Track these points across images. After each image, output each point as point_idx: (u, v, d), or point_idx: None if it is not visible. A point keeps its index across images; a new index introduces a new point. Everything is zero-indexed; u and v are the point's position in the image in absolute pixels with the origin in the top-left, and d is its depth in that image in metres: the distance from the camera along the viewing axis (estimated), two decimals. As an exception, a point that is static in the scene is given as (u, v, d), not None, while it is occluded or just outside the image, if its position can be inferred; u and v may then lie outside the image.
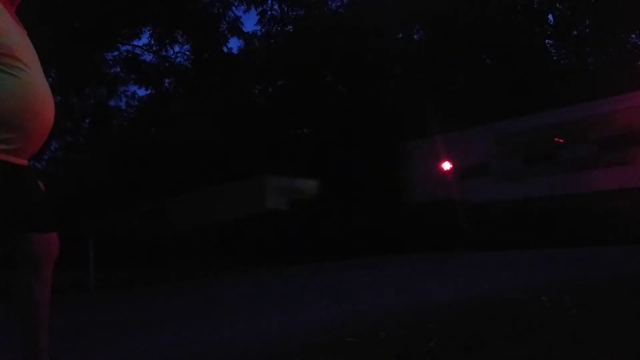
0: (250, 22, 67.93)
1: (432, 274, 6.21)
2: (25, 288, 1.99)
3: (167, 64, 17.14)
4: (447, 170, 11.28)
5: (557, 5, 16.46)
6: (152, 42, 16.16)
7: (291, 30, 17.98)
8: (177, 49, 16.89)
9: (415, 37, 17.78)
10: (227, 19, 16.15)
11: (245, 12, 17.28)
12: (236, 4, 15.97)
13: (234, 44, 53.96)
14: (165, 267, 11.74)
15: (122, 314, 5.09)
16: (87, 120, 20.80)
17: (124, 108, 22.14)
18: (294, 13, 17.71)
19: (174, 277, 9.31)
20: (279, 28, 17.91)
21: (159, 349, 3.09)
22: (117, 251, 14.89)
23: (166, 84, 18.12)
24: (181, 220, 14.43)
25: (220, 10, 16.03)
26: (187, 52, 17.22)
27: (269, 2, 16.90)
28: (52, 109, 2.09)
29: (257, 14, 16.95)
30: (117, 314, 5.19)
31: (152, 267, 12.01)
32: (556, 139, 9.91)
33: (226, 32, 16.35)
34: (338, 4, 18.20)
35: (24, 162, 2.01)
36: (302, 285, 6.31)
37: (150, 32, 15.91)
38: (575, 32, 16.10)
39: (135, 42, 16.96)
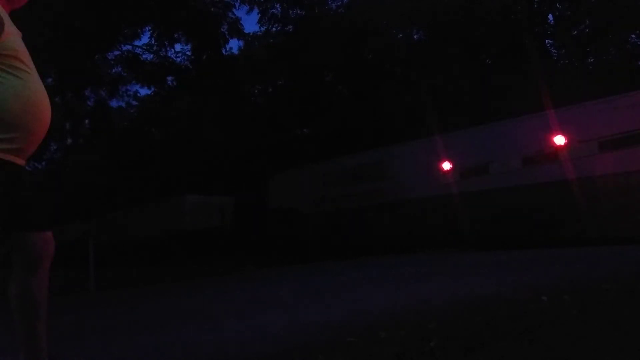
0: (250, 22, 67.96)
1: (432, 274, 6.20)
2: (22, 287, 2.00)
3: (167, 64, 17.17)
4: (447, 170, 11.26)
5: (557, 5, 16.46)
6: (153, 42, 16.19)
7: (291, 30, 18.00)
8: (178, 48, 16.99)
9: (415, 37, 17.80)
10: (227, 20, 16.18)
11: (248, 12, 17.25)
12: (237, 5, 15.99)
13: (234, 44, 54.00)
14: (165, 267, 11.74)
15: (122, 314, 5.08)
16: (87, 121, 20.87)
17: (124, 107, 22.23)
18: (294, 12, 17.73)
19: (174, 278, 9.31)
20: (279, 28, 17.92)
21: (159, 348, 3.09)
22: (117, 251, 15.01)
23: (168, 82, 18.18)
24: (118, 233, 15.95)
25: (221, 11, 16.04)
26: (187, 53, 17.26)
27: (272, 0, 16.93)
28: (49, 110, 2.12)
29: (259, 12, 16.97)
30: (117, 314, 5.19)
31: (152, 267, 12.01)
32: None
33: (226, 33, 16.38)
34: (338, 3, 18.23)
35: (23, 162, 2.03)
36: (302, 285, 6.31)
37: (151, 32, 15.94)
38: (575, 32, 16.10)
39: (136, 42, 17.01)
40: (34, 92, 2.02)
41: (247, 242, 13.48)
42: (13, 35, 2.00)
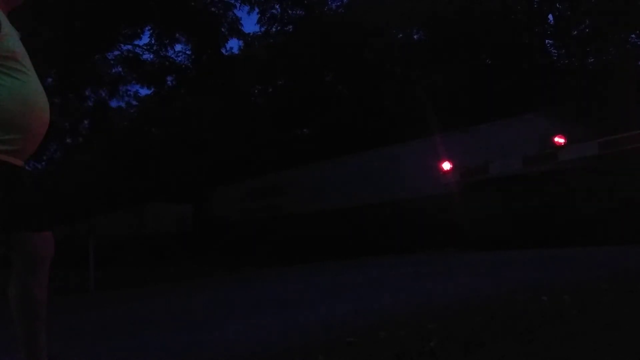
0: (250, 22, 67.91)
1: (432, 274, 6.20)
2: (22, 287, 1.99)
3: (167, 63, 17.15)
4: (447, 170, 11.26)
5: (557, 5, 16.45)
6: (153, 41, 16.16)
7: (291, 30, 17.99)
8: (178, 48, 16.94)
9: (415, 37, 17.80)
10: (227, 19, 16.15)
11: (249, 12, 17.19)
12: (238, 5, 15.96)
13: (234, 43, 53.96)
14: (165, 267, 11.75)
15: (122, 314, 5.09)
16: (86, 122, 20.86)
17: (124, 108, 22.21)
18: (294, 12, 17.71)
19: (174, 278, 9.31)
20: (278, 28, 17.91)
21: (159, 349, 3.09)
22: (118, 251, 15.07)
23: (168, 82, 18.15)
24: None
25: (221, 11, 16.02)
26: (187, 52, 17.24)
27: (272, 1, 16.90)
28: (48, 110, 2.12)
29: (258, 13, 16.94)
30: (117, 314, 5.19)
31: (152, 267, 12.02)
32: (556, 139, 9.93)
33: (226, 33, 16.36)
34: (338, 4, 18.22)
35: (21, 162, 2.03)
36: (302, 285, 6.31)
37: (151, 32, 15.92)
38: (575, 32, 16.09)
39: (136, 42, 16.98)
40: (32, 93, 2.02)
41: (195, 246, 15.46)
42: (10, 36, 2.00)
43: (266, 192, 15.12)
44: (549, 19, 16.80)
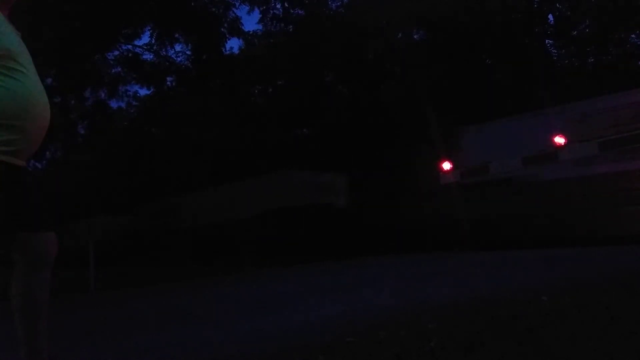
0: (250, 22, 67.89)
1: (432, 274, 6.20)
2: (24, 288, 1.99)
3: (167, 63, 17.15)
4: (447, 170, 11.27)
5: (557, 5, 16.46)
6: (153, 41, 16.15)
7: (291, 30, 17.99)
8: (178, 48, 16.92)
9: (415, 37, 17.79)
10: (227, 19, 16.15)
11: (249, 12, 17.18)
12: (237, 4, 15.96)
13: (235, 43, 53.95)
14: (166, 267, 11.75)
15: (122, 314, 5.09)
16: (85, 122, 20.86)
17: (124, 108, 22.22)
18: (295, 12, 17.72)
19: (174, 278, 9.31)
20: (280, 27, 17.91)
21: (159, 348, 3.09)
22: (118, 251, 15.07)
23: (168, 83, 18.15)
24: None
25: (221, 10, 16.02)
26: (187, 52, 17.23)
27: (272, 1, 16.90)
28: (48, 110, 2.12)
29: (260, 12, 16.94)
30: (117, 314, 5.19)
31: (152, 267, 12.02)
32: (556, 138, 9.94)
33: (226, 33, 16.36)
34: (338, 4, 18.20)
35: (23, 163, 2.03)
36: (302, 285, 6.31)
37: (151, 32, 15.92)
38: (575, 32, 16.10)
39: (136, 42, 16.98)
40: (31, 93, 2.01)
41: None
42: (7, 35, 1.99)
43: (164, 210, 18.08)
44: (549, 19, 16.81)
